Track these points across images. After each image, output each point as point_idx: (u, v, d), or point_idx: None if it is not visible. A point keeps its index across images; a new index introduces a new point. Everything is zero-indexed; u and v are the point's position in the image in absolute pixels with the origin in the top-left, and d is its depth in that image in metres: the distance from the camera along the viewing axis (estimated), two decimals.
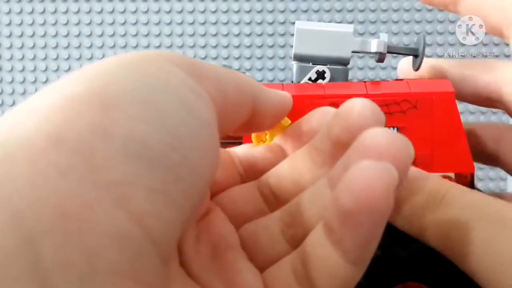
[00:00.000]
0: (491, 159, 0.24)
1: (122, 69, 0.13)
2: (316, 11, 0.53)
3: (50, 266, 0.10)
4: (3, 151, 0.10)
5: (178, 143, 0.12)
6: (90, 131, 0.11)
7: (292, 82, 0.23)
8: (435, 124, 0.21)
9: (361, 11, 0.53)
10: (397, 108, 0.21)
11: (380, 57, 0.23)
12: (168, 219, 0.12)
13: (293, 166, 0.17)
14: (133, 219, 0.11)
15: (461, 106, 0.21)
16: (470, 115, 0.52)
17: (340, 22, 0.53)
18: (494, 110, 0.52)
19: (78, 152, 0.11)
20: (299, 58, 0.22)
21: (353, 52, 0.22)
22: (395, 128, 0.21)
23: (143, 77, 0.13)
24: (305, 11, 0.53)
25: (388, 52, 0.23)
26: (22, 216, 0.10)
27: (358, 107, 0.15)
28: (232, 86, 0.15)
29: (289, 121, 0.19)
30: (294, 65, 0.23)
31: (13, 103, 0.54)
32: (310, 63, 0.22)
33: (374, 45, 0.23)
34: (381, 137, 0.13)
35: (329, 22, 0.53)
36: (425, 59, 0.23)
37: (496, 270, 0.15)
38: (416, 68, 0.23)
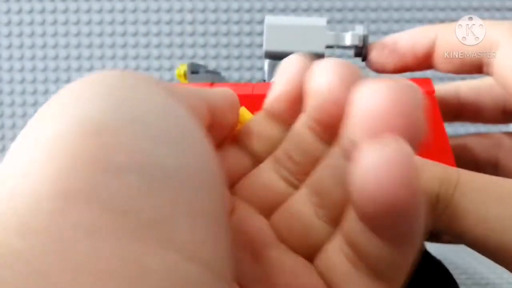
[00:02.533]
0: (485, 168, 0.24)
1: (105, 94, 0.11)
2: (305, 10, 0.52)
3: None
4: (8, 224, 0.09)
5: (177, 151, 0.11)
6: (94, 170, 0.09)
7: (264, 81, 0.22)
8: None
9: (362, 10, 0.52)
10: None
11: (357, 51, 0.22)
12: (213, 237, 0.10)
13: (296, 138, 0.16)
14: (184, 255, 0.09)
15: (449, 128, 0.21)
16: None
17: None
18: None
19: (94, 202, 0.09)
20: (270, 56, 0.21)
21: (327, 47, 0.21)
22: None
23: (132, 100, 0.11)
24: (294, 10, 0.52)
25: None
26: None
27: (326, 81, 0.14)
28: (185, 93, 0.14)
29: (251, 114, 0.18)
30: (266, 63, 0.22)
31: (12, 103, 0.54)
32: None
33: (348, 38, 0.21)
34: (373, 99, 0.12)
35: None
36: None
37: None
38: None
